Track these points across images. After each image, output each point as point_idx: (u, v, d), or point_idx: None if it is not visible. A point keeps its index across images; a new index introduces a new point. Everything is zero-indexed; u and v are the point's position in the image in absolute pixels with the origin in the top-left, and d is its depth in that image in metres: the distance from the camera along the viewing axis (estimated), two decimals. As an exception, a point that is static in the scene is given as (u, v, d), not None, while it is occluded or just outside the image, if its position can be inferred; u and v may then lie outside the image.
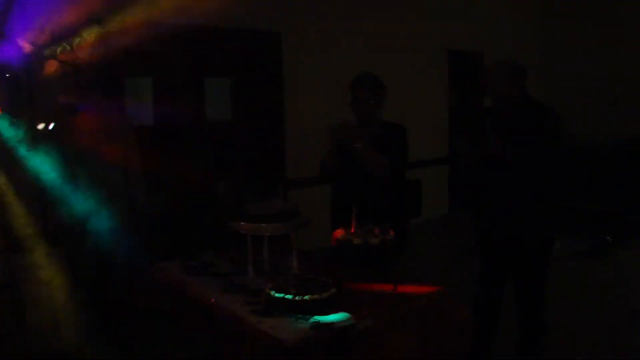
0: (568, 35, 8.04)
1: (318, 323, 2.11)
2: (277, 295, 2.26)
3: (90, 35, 3.46)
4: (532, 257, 3.04)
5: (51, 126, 3.44)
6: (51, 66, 3.42)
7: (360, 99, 3.18)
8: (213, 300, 2.43)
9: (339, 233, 2.64)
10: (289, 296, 2.23)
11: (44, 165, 3.41)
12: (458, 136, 3.16)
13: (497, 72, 3.03)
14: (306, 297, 2.22)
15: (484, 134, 2.93)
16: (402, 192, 3.33)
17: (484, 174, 3.11)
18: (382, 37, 6.08)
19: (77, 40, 3.37)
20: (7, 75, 3.22)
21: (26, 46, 3.31)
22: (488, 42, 7.22)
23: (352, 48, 5.66)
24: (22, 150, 3.37)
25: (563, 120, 3.02)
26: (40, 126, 3.44)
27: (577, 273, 5.15)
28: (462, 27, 7.03)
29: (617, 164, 6.58)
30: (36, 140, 3.39)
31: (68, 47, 3.36)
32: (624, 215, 6.25)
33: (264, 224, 2.66)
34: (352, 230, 2.62)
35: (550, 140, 2.92)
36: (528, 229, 3.00)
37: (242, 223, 2.69)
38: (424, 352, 2.33)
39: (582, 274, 5.13)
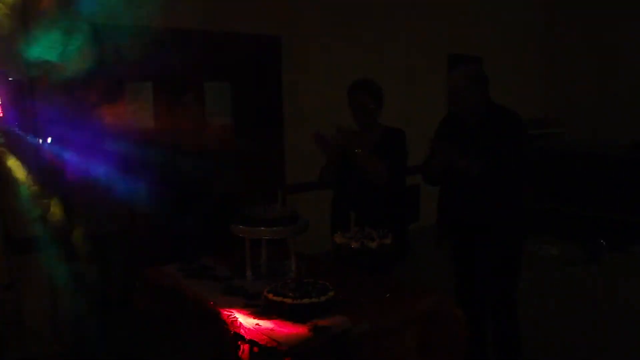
0: (569, 40, 8.06)
1: (316, 327, 2.12)
2: (275, 298, 2.28)
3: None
4: (502, 261, 3.05)
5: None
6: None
7: (359, 104, 3.20)
8: (211, 303, 2.44)
9: (337, 237, 2.66)
10: (287, 299, 2.25)
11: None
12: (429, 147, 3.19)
13: (456, 80, 3.02)
14: (304, 301, 2.24)
15: (443, 150, 2.94)
16: (402, 197, 3.34)
17: (448, 182, 3.12)
18: (382, 42, 6.10)
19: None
20: (9, 79, 3.24)
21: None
22: (488, 47, 7.25)
23: (352, 52, 5.68)
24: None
25: (525, 123, 3.04)
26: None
27: (571, 277, 5.17)
28: (463, 31, 7.06)
29: (612, 169, 6.62)
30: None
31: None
32: (617, 220, 6.28)
33: (262, 228, 2.68)
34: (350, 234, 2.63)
35: (515, 144, 2.93)
36: (496, 234, 3.01)
37: (241, 227, 2.71)
38: (421, 356, 2.34)
39: (577, 279, 5.16)
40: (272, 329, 2.13)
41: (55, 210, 3.55)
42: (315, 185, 3.55)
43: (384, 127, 3.28)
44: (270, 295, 2.30)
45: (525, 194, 3.08)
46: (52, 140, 3.51)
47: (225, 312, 2.32)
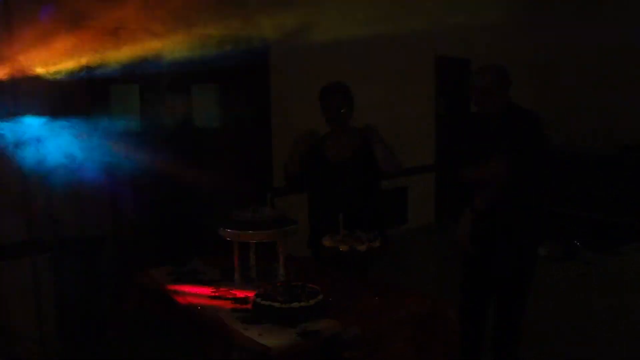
0: (558, 41, 8.10)
1: (305, 331, 2.11)
2: (264, 302, 2.26)
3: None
4: (517, 267, 3.00)
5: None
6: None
7: (333, 107, 3.20)
8: (200, 307, 2.42)
9: (326, 240, 2.65)
10: (276, 304, 2.23)
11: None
12: (447, 146, 3.11)
13: (486, 80, 2.95)
14: (293, 305, 2.22)
15: (486, 160, 2.88)
16: (381, 197, 3.34)
17: (471, 185, 3.05)
18: (370, 44, 6.10)
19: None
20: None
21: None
22: (476, 48, 7.27)
23: (340, 56, 5.67)
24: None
25: (545, 125, 3.02)
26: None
27: (550, 277, 5.20)
28: (450, 33, 7.07)
29: (586, 169, 6.71)
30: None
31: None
32: (606, 221, 6.34)
33: (251, 231, 2.66)
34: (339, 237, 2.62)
35: (538, 146, 2.89)
36: (514, 239, 2.95)
37: (229, 230, 2.69)
38: (414, 358, 2.34)
39: (552, 278, 5.19)
40: (260, 334, 2.11)
41: (42, 213, 3.52)
42: (303, 188, 3.53)
43: (357, 128, 3.29)
44: (259, 300, 2.28)
45: (545, 198, 3.00)
46: (36, 143, 3.47)
47: (214, 316, 2.30)
